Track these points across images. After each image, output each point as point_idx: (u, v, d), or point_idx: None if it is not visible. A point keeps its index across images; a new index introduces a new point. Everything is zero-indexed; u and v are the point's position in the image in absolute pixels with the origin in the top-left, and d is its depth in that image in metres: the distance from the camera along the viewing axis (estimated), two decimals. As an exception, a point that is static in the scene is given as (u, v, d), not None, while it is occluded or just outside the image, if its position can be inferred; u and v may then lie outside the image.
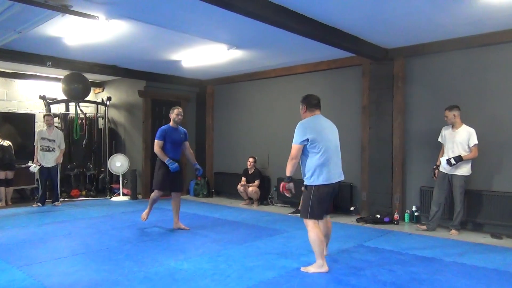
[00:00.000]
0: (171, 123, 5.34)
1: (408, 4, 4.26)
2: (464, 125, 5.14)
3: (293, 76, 7.52)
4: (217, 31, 5.33)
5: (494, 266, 3.81)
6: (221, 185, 8.80)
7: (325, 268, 3.57)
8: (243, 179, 7.71)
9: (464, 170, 5.09)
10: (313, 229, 3.57)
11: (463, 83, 5.49)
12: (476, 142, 5.01)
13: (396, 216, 5.79)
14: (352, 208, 6.42)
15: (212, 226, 5.66)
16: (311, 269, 3.61)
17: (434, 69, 5.78)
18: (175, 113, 5.30)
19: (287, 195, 3.73)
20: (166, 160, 5.14)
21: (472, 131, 5.05)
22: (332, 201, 3.79)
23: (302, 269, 3.66)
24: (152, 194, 5.34)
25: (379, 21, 4.84)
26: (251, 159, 7.66)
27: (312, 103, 3.77)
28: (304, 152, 3.63)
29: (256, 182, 7.55)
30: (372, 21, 4.86)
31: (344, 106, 6.75)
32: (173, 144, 5.26)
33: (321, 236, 3.57)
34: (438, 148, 5.56)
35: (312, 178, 3.59)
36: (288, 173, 3.66)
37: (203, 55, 6.57)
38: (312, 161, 3.58)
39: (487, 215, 5.19)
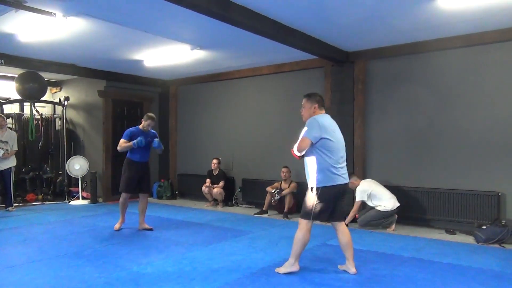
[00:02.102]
0: (140, 127, 5.28)
1: (367, 8, 4.39)
2: (360, 183, 5.58)
3: (258, 77, 7.56)
4: (180, 31, 5.27)
5: (448, 260, 4.01)
6: (185, 187, 8.71)
7: (295, 267, 3.55)
8: (208, 180, 7.67)
9: (383, 207, 5.38)
10: (304, 229, 3.47)
11: (421, 85, 5.73)
12: (357, 199, 5.51)
13: (357, 214, 5.94)
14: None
15: (176, 229, 5.58)
16: (282, 269, 3.60)
17: (393, 72, 6.00)
18: (147, 123, 5.23)
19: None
20: (132, 143, 5.05)
21: (358, 189, 5.48)
22: (342, 204, 3.61)
23: (276, 270, 3.64)
24: (120, 199, 5.32)
25: (340, 24, 4.96)
26: (215, 160, 7.62)
27: (322, 102, 3.65)
28: (313, 151, 3.44)
29: (221, 183, 7.52)
30: (332, 24, 4.98)
31: (307, 107, 6.85)
32: (140, 147, 5.18)
33: (307, 239, 3.48)
34: (397, 147, 5.88)
35: (320, 179, 3.42)
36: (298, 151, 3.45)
37: (166, 55, 6.47)
38: (322, 161, 3.41)
39: (441, 211, 5.45)
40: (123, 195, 5.30)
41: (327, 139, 3.41)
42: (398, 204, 5.38)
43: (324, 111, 3.66)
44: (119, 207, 5.37)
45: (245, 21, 4.41)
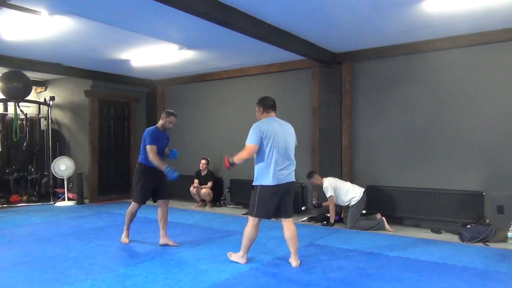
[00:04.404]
0: (158, 126, 4.57)
1: (353, 10, 4.43)
2: (323, 180, 5.77)
3: (245, 77, 7.57)
4: (168, 30, 5.24)
5: (434, 259, 4.06)
6: (173, 187, 8.61)
7: (243, 260, 3.85)
8: (196, 181, 7.64)
9: (353, 199, 5.58)
10: (250, 225, 3.78)
11: (408, 86, 5.80)
12: (328, 195, 5.64)
13: (345, 214, 5.99)
14: (303, 208, 6.58)
15: (164, 230, 5.53)
16: (233, 256, 3.94)
17: (380, 73, 6.06)
18: (168, 121, 4.51)
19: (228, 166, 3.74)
20: (164, 168, 4.35)
21: (325, 186, 5.66)
22: (286, 202, 3.79)
23: (228, 254, 4.01)
24: (130, 209, 4.61)
25: (327, 26, 5.00)
26: (203, 161, 7.60)
27: (268, 105, 3.86)
28: (256, 152, 3.71)
29: (209, 184, 7.50)
30: (320, 26, 5.01)
31: (295, 108, 6.89)
32: (158, 151, 4.52)
33: (253, 235, 3.77)
34: (385, 148, 5.97)
35: (258, 178, 3.72)
36: (236, 160, 3.67)
37: (153, 54, 6.43)
38: (261, 161, 3.68)
39: (427, 211, 5.53)
40: (135, 205, 4.58)
41: (266, 142, 3.64)
42: (362, 189, 5.63)
43: (272, 114, 3.86)
44: (126, 216, 4.67)
45: (233, 21, 4.40)
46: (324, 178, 5.78)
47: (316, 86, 6.57)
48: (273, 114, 3.87)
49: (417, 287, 3.29)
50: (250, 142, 3.66)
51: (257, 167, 3.73)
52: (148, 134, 4.46)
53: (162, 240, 4.63)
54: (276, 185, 3.66)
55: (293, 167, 3.83)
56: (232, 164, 3.71)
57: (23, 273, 3.65)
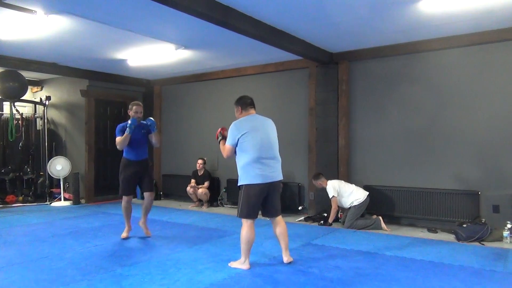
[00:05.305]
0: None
1: (350, 10, 4.43)
2: (327, 182, 5.76)
3: (242, 77, 7.56)
4: (164, 30, 5.23)
5: (430, 258, 4.08)
6: (170, 187, 8.64)
7: (246, 266, 3.70)
8: (193, 180, 7.63)
9: (356, 200, 5.57)
10: (245, 227, 3.67)
11: (404, 86, 5.82)
12: (330, 196, 5.63)
13: (341, 214, 6.00)
14: (300, 208, 6.58)
15: (161, 230, 5.53)
16: (234, 264, 3.78)
17: (377, 73, 6.07)
18: (133, 110, 4.78)
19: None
20: (126, 133, 4.61)
21: (328, 187, 5.69)
22: (274, 201, 3.76)
23: (229, 264, 3.81)
24: (122, 203, 4.90)
25: (325, 26, 5.00)
26: (200, 161, 7.59)
27: (246, 103, 3.82)
28: (236, 151, 3.68)
29: (206, 184, 7.50)
30: (318, 26, 5.01)
31: (292, 108, 6.90)
32: (134, 142, 4.77)
33: (251, 237, 3.66)
34: (381, 148, 5.97)
35: (243, 177, 3.65)
36: (220, 146, 3.87)
37: (150, 54, 6.41)
38: (243, 160, 3.62)
39: (423, 210, 5.55)
40: (124, 198, 4.86)
41: (247, 140, 3.59)
42: (367, 192, 5.63)
43: (252, 111, 3.82)
44: (122, 212, 4.94)
45: (232, 22, 4.39)
46: (328, 181, 5.76)
47: (313, 86, 6.58)
48: (253, 111, 3.81)
49: (414, 286, 3.30)
50: (228, 143, 3.68)
51: (240, 166, 3.66)
52: (116, 129, 4.78)
53: (140, 223, 5.03)
54: (261, 183, 3.59)
55: (279, 164, 3.76)
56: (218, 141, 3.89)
57: (19, 274, 3.63)
